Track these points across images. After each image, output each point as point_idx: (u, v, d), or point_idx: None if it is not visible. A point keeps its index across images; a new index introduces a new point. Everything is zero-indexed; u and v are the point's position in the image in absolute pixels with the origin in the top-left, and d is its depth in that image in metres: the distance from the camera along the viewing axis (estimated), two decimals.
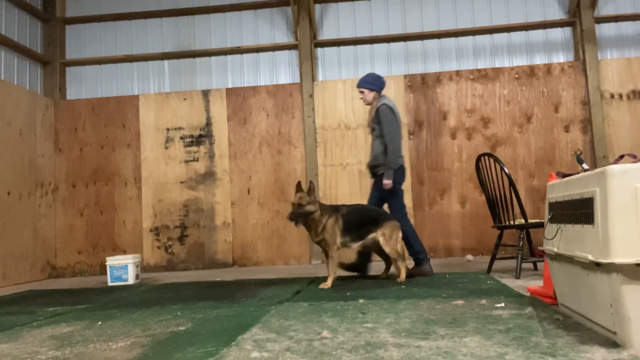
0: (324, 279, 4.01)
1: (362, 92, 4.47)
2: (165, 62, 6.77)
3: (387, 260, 4.31)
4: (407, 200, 6.12)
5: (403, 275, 4.01)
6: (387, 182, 4.27)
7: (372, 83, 4.44)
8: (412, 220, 6.09)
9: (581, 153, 4.38)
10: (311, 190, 4.02)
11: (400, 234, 4.12)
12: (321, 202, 4.13)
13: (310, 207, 3.95)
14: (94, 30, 6.88)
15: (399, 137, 4.36)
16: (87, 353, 2.20)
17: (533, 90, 6.12)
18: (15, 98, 5.83)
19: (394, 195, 4.35)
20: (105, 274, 5.19)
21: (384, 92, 4.55)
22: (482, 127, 6.14)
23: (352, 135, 6.27)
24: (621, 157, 2.32)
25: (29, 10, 6.39)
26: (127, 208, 6.45)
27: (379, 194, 4.39)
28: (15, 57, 6.16)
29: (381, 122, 4.32)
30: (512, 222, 4.13)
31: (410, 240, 4.29)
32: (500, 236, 4.35)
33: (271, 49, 6.64)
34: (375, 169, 4.43)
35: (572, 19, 6.21)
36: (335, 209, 4.08)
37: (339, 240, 4.00)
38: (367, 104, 4.51)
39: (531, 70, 6.14)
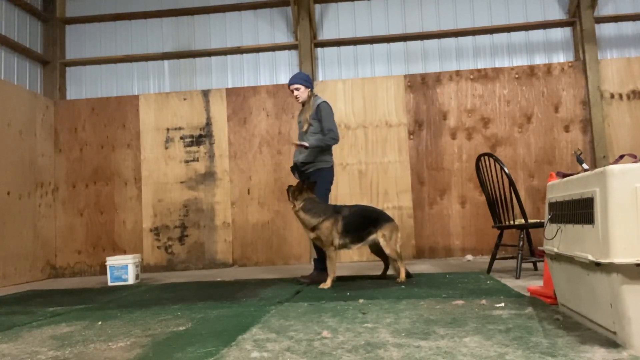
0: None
1: (297, 89, 4.42)
2: (165, 62, 6.77)
3: (386, 260, 4.32)
4: (407, 200, 6.13)
5: (403, 275, 4.02)
6: (299, 142, 4.30)
7: (307, 81, 4.46)
8: (411, 221, 6.12)
9: (581, 153, 4.38)
10: (297, 189, 4.09)
11: (399, 235, 4.14)
12: (319, 202, 4.12)
13: (294, 204, 4.08)
14: (94, 30, 6.88)
15: (338, 132, 4.41)
16: (87, 353, 2.20)
17: (533, 90, 6.12)
18: (15, 98, 5.83)
19: (327, 192, 4.36)
20: (105, 274, 5.19)
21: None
22: (482, 127, 6.14)
23: (352, 135, 6.27)
24: (621, 157, 2.32)
25: (29, 10, 6.39)
26: (127, 208, 6.45)
27: (320, 190, 4.31)
28: (15, 57, 6.16)
29: (323, 118, 4.32)
30: (512, 222, 4.13)
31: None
32: (500, 236, 4.35)
33: (271, 49, 6.64)
34: (306, 167, 4.36)
35: (572, 19, 6.21)
36: (336, 210, 4.09)
37: (337, 241, 4.00)
38: (301, 102, 4.47)
39: (531, 70, 6.14)
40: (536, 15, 6.32)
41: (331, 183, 4.46)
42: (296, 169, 4.43)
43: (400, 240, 4.16)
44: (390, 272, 4.30)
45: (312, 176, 4.30)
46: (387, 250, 4.03)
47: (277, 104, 6.40)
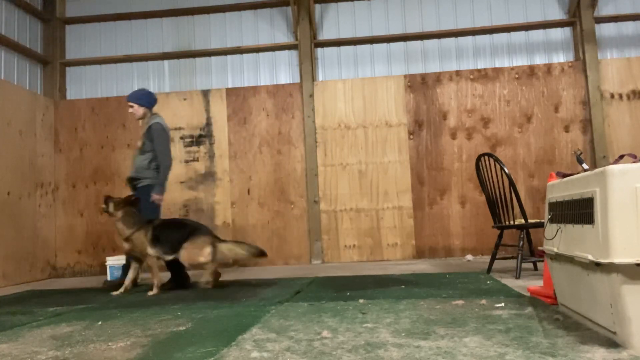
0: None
1: (132, 107, 4.54)
2: (165, 62, 6.77)
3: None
4: (407, 200, 6.13)
5: (209, 282, 4.13)
6: (158, 197, 4.43)
7: (143, 99, 4.55)
8: (411, 221, 6.12)
9: (581, 153, 4.37)
10: (120, 201, 4.24)
11: (208, 249, 4.13)
12: (136, 214, 4.21)
13: (114, 214, 4.21)
14: (94, 30, 6.88)
15: (170, 155, 4.53)
16: (87, 353, 2.20)
17: (533, 90, 6.12)
18: (15, 98, 5.83)
19: (156, 207, 4.48)
20: (105, 274, 5.19)
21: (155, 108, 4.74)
22: (482, 127, 6.14)
23: (352, 135, 6.28)
24: (621, 157, 2.32)
25: (29, 10, 6.39)
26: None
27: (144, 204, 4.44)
28: (15, 57, 6.16)
29: (154, 139, 4.43)
30: (512, 222, 4.13)
31: None
32: (500, 236, 4.35)
33: (271, 49, 6.64)
34: (136, 182, 4.49)
35: (572, 19, 6.21)
36: (148, 222, 4.21)
37: (150, 251, 4.12)
38: (138, 119, 4.61)
39: (531, 70, 6.14)
40: (536, 15, 6.32)
41: (159, 199, 4.53)
42: (129, 182, 4.55)
43: (211, 255, 4.14)
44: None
45: (141, 191, 4.43)
46: (186, 263, 4.17)
47: (277, 104, 6.40)
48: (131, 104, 4.55)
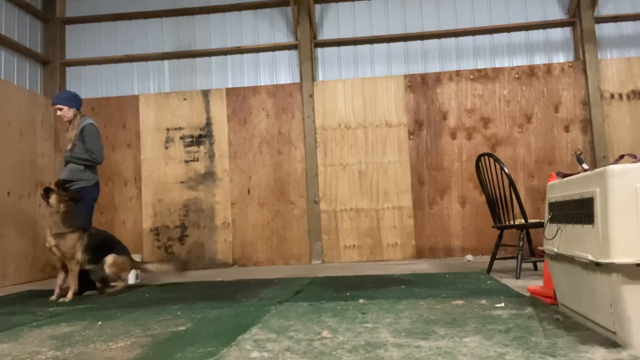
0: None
1: (60, 109, 4.47)
2: (165, 62, 6.77)
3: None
4: (407, 200, 6.13)
5: (117, 289, 4.26)
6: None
7: (72, 100, 4.48)
8: (411, 221, 6.12)
9: (581, 153, 4.38)
10: (65, 196, 4.13)
11: (128, 268, 4.41)
12: (75, 215, 4.14)
13: (55, 206, 4.07)
14: (94, 30, 6.88)
15: (103, 155, 4.52)
16: (87, 353, 2.20)
17: (533, 90, 6.12)
18: (15, 98, 5.83)
19: (90, 208, 4.46)
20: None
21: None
22: (482, 127, 6.14)
23: (352, 135, 6.27)
24: (621, 157, 2.32)
25: (29, 10, 6.39)
26: (127, 208, 6.45)
27: (84, 207, 4.38)
28: (15, 57, 6.16)
29: (85, 139, 4.39)
30: (512, 222, 4.13)
31: None
32: (500, 236, 4.35)
33: (271, 49, 6.64)
34: (69, 184, 4.39)
35: (572, 19, 6.21)
36: (84, 227, 4.17)
37: (79, 255, 4.07)
38: (67, 121, 4.52)
39: (531, 70, 6.14)
40: (536, 15, 6.32)
41: (94, 200, 4.53)
42: (60, 185, 4.42)
43: (120, 267, 4.31)
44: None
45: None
46: (108, 271, 4.21)
47: (277, 104, 6.40)
48: (60, 106, 4.45)
